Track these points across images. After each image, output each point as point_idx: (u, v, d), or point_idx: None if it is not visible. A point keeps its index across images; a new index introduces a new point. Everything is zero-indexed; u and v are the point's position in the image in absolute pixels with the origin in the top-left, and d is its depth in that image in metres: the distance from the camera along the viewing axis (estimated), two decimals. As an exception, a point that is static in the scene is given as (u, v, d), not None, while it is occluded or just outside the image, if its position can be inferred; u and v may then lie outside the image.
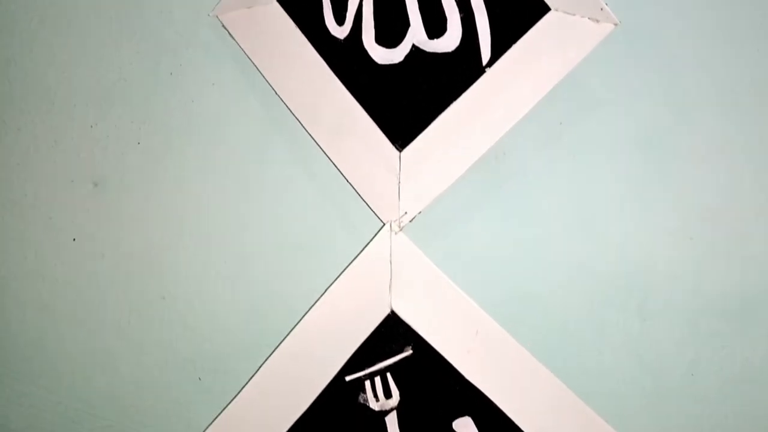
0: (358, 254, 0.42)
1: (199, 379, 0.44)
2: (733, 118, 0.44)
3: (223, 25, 0.43)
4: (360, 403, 0.41)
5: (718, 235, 0.44)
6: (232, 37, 0.43)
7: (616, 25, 0.41)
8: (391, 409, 0.41)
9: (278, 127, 0.44)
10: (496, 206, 0.44)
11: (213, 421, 0.42)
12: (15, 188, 0.46)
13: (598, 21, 0.41)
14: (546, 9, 0.41)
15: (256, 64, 0.43)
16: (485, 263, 0.44)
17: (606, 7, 0.41)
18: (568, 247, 0.44)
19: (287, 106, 0.43)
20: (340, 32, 0.43)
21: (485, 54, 0.42)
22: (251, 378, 0.42)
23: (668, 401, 0.44)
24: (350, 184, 0.42)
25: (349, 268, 0.42)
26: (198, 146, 0.45)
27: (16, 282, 0.45)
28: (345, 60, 0.42)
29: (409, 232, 0.42)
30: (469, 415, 0.41)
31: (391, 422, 0.41)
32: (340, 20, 0.43)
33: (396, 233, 0.42)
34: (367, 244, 0.42)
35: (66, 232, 0.45)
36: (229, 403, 0.42)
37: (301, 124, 0.43)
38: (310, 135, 0.43)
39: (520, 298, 0.43)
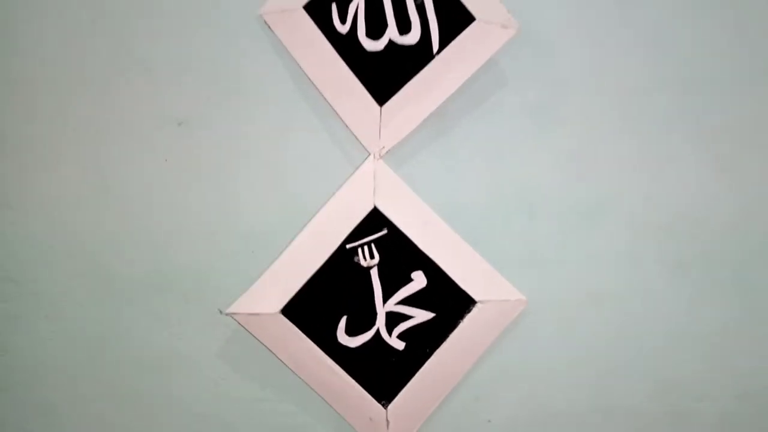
0: (354, 171, 0.67)
1: (252, 252, 0.69)
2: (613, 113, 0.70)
3: (266, 22, 0.66)
4: (355, 262, 0.67)
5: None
6: (272, 30, 0.67)
7: (517, 30, 0.66)
8: (374, 266, 0.67)
9: (303, 92, 0.68)
10: (437, 146, 0.69)
11: (261, 274, 0.67)
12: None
13: (506, 27, 0.67)
14: (472, 19, 0.66)
15: (287, 47, 0.67)
16: (429, 179, 0.69)
17: (511, 17, 0.66)
18: (479, 167, 0.70)
19: (308, 76, 0.67)
20: (342, 29, 0.66)
21: (435, 46, 0.66)
22: (288, 245, 0.67)
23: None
24: (350, 129, 0.67)
25: (349, 179, 0.67)
26: (248, 87, 0.68)
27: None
28: (345, 47, 0.66)
29: (386, 159, 0.68)
30: (420, 270, 0.67)
31: (374, 274, 0.67)
32: (342, 21, 0.66)
33: (377, 159, 0.67)
34: (360, 165, 0.67)
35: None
36: (273, 262, 0.67)
37: (318, 89, 0.67)
38: (323, 96, 0.67)
39: (451, 203, 0.69)
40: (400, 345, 0.67)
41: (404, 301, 0.67)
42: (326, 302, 0.66)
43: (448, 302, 0.67)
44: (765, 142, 0.72)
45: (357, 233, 0.67)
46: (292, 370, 0.67)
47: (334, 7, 0.66)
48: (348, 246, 0.67)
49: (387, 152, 0.68)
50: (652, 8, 0.70)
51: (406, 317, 0.67)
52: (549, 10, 0.70)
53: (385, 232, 0.67)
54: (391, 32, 0.66)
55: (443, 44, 0.66)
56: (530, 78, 0.70)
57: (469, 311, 0.68)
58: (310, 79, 0.67)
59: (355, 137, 0.68)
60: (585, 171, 0.71)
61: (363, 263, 0.67)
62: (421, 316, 0.67)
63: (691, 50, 0.71)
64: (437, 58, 0.66)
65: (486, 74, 0.69)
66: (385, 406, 0.68)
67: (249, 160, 0.69)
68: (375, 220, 0.67)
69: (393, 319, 0.67)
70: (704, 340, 0.73)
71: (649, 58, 0.71)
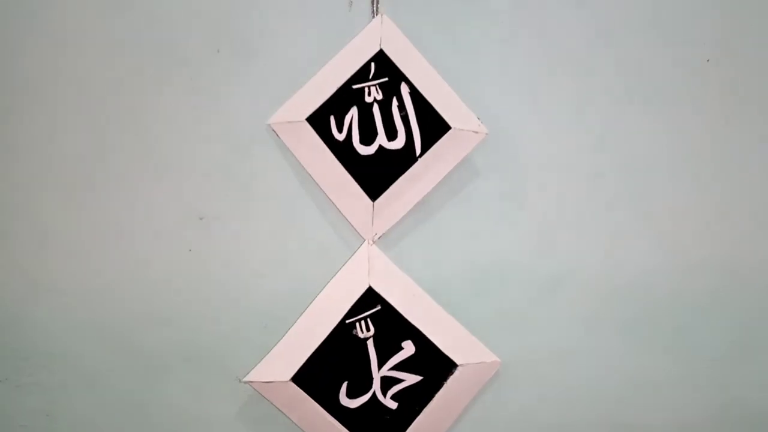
0: (352, 255, 0.79)
1: (265, 326, 0.80)
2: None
3: (275, 131, 0.79)
4: (353, 335, 0.78)
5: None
6: (280, 138, 0.79)
7: (486, 133, 0.80)
8: (370, 338, 0.79)
9: (307, 189, 0.80)
10: (421, 230, 0.82)
11: (273, 346, 0.78)
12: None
13: (477, 132, 0.80)
14: (448, 127, 0.79)
15: (293, 152, 0.79)
16: (415, 258, 0.82)
17: (481, 123, 0.80)
18: (461, 243, 0.82)
19: (311, 176, 0.79)
20: (340, 137, 0.79)
21: (418, 150, 0.79)
22: (296, 321, 0.78)
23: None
24: (347, 220, 0.79)
25: (347, 263, 0.79)
26: (260, 186, 0.80)
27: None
28: (342, 152, 0.78)
29: (378, 244, 0.80)
30: (409, 339, 0.79)
31: (370, 345, 0.79)
32: (339, 130, 0.79)
33: (371, 245, 0.80)
34: (356, 250, 0.80)
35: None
36: (284, 336, 0.78)
37: (320, 187, 0.79)
38: (325, 193, 0.79)
39: (434, 277, 0.82)
40: (393, 405, 0.79)
41: (396, 367, 0.79)
42: (330, 370, 0.78)
43: (434, 366, 0.79)
44: (699, 219, 0.85)
45: (355, 310, 0.78)
46: (302, 430, 0.79)
47: (332, 118, 0.79)
48: (347, 321, 0.78)
49: (379, 238, 0.80)
50: (602, 104, 0.84)
51: (398, 380, 0.79)
52: (511, 114, 0.83)
53: (378, 308, 0.79)
54: (381, 139, 0.79)
55: (425, 149, 0.79)
56: (498, 170, 0.83)
57: (452, 373, 0.80)
58: (313, 178, 0.79)
59: (352, 227, 0.80)
60: (547, 247, 0.84)
61: (360, 335, 0.79)
62: (410, 379, 0.79)
63: (635, 141, 0.85)
64: (420, 161, 0.79)
65: (461, 169, 0.82)
66: (381, 456, 0.80)
67: (261, 248, 0.81)
68: (370, 298, 0.79)
69: (387, 382, 0.79)
70: (652, 388, 0.86)
71: (598, 149, 0.84)
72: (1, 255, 0.79)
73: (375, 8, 0.81)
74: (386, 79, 0.79)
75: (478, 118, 0.80)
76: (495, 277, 0.83)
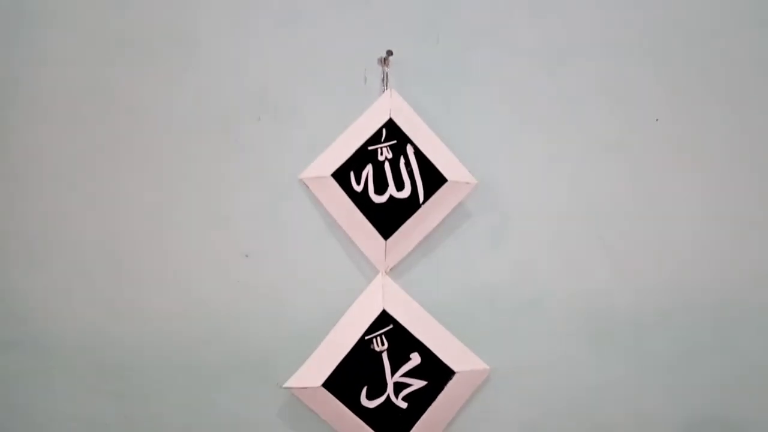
0: (369, 284, 0.98)
1: (300, 341, 0.98)
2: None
3: (306, 184, 0.98)
4: (371, 348, 0.97)
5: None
6: (310, 190, 0.98)
7: (476, 183, 0.99)
8: (384, 351, 0.97)
9: (332, 231, 0.99)
10: (424, 263, 1.01)
11: (307, 358, 0.97)
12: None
13: (468, 183, 0.99)
14: (445, 180, 0.98)
15: (321, 201, 0.98)
16: (420, 285, 1.00)
17: (471, 175, 0.99)
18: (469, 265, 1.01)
19: (335, 220, 0.98)
20: (358, 188, 0.98)
21: (421, 199, 0.98)
22: (325, 338, 0.97)
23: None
24: (365, 255, 0.98)
25: (365, 290, 0.98)
26: (294, 228, 0.99)
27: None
28: (360, 200, 0.97)
29: (390, 274, 0.99)
30: (416, 351, 0.98)
31: (384, 356, 0.97)
32: (358, 183, 0.98)
33: (384, 275, 0.99)
34: (372, 279, 0.99)
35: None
36: (315, 349, 0.97)
37: (342, 229, 0.98)
38: (346, 233, 0.98)
39: (435, 301, 1.00)
40: (404, 405, 0.97)
41: (406, 374, 0.97)
42: (353, 377, 0.96)
43: (436, 373, 0.98)
44: (651, 250, 1.04)
45: (372, 328, 0.97)
46: (331, 427, 0.97)
47: (352, 174, 0.98)
48: (366, 337, 0.97)
49: (390, 270, 0.99)
50: (570, 156, 1.03)
51: (408, 385, 0.97)
52: (496, 166, 1.02)
53: (391, 326, 0.98)
54: (391, 190, 0.98)
55: (426, 197, 0.98)
56: (486, 212, 1.02)
57: (451, 379, 0.98)
58: (336, 222, 0.99)
59: (369, 261, 0.99)
60: (527, 275, 1.03)
61: (377, 349, 0.97)
62: (417, 384, 0.98)
63: (599, 187, 1.03)
64: (422, 207, 0.98)
65: (456, 211, 1.01)
66: (394, 447, 0.98)
67: (295, 278, 0.99)
68: (384, 318, 0.97)
69: (398, 386, 0.97)
70: (614, 390, 1.04)
71: (567, 194, 1.03)
72: (84, 286, 0.97)
73: (385, 84, 1.00)
74: (395, 141, 0.98)
75: (469, 171, 0.99)
76: (485, 300, 1.02)
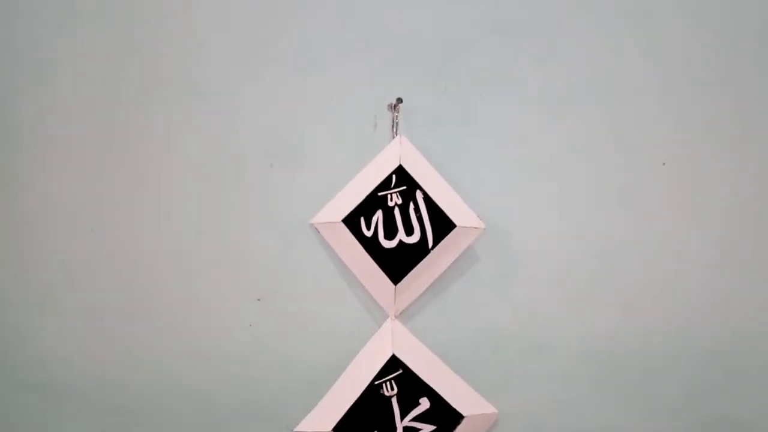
0: (378, 329, 1.00)
1: (311, 385, 1.00)
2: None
3: (317, 229, 1.00)
4: (381, 393, 0.98)
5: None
6: (320, 234, 1.00)
7: (484, 228, 1.00)
8: (394, 396, 0.98)
9: (342, 274, 1.01)
10: (433, 307, 1.02)
11: (318, 402, 0.98)
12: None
13: (477, 228, 1.00)
14: (454, 225, 1.00)
15: (331, 246, 1.00)
16: (428, 329, 1.01)
17: (479, 220, 1.00)
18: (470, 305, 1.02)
19: (346, 264, 1.00)
20: (368, 233, 0.99)
21: (430, 244, 0.99)
22: (335, 382, 0.98)
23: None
24: (375, 300, 1.00)
25: (375, 335, 0.99)
26: (305, 272, 1.01)
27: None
28: (370, 245, 0.99)
29: (399, 318, 1.00)
30: (425, 396, 0.99)
31: (394, 401, 0.98)
32: (368, 228, 0.99)
33: (393, 320, 1.00)
34: (382, 324, 1.00)
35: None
36: (326, 394, 0.98)
37: (352, 273, 1.00)
38: (356, 278, 1.00)
39: (442, 344, 1.01)
40: None
41: (415, 419, 0.98)
42: (363, 421, 0.97)
43: (445, 418, 0.99)
44: (655, 294, 1.05)
45: (381, 373, 0.98)
46: (341, 471, 0.98)
47: (362, 219, 0.99)
48: (375, 382, 0.98)
49: (400, 314, 1.00)
50: (577, 202, 1.04)
51: (417, 430, 0.98)
52: (503, 211, 1.03)
53: (400, 371, 0.99)
54: (401, 235, 1.00)
55: (435, 242, 1.00)
56: (494, 256, 1.03)
57: (459, 423, 0.99)
58: (347, 266, 1.00)
59: (379, 305, 1.00)
60: (534, 318, 1.04)
61: (386, 394, 0.98)
62: (426, 429, 0.99)
63: (605, 232, 1.05)
64: (432, 252, 1.00)
65: (464, 255, 1.02)
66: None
67: (306, 322, 1.01)
68: (393, 363, 0.99)
69: (408, 431, 0.98)
70: (612, 425, 1.05)
71: (574, 239, 1.04)
72: (99, 330, 0.99)
73: (395, 130, 1.02)
74: (404, 187, 1.00)
75: (478, 216, 1.01)
76: (493, 343, 1.03)
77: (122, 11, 0.99)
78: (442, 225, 1.00)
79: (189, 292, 1.00)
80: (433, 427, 0.99)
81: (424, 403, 0.99)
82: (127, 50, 1.00)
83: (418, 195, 1.00)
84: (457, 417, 0.99)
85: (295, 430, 0.96)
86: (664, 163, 1.06)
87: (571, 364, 1.04)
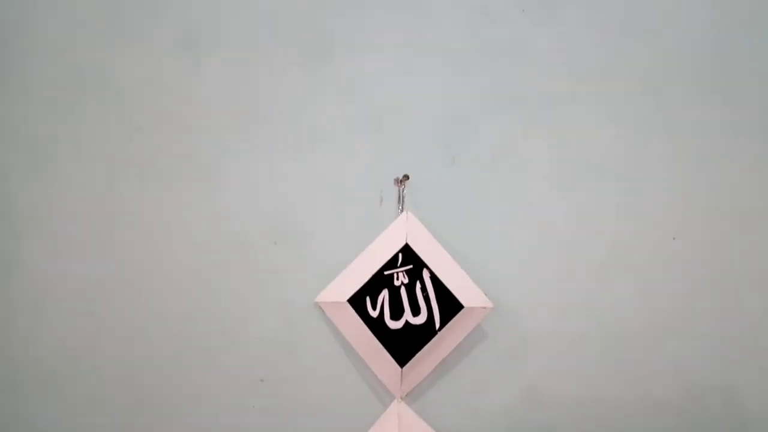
0: (384, 410, 0.98)
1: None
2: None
3: (322, 308, 0.98)
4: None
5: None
6: (325, 314, 0.98)
7: (492, 307, 0.98)
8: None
9: (348, 355, 0.99)
10: (440, 387, 1.00)
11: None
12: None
13: (485, 307, 0.98)
14: (461, 306, 0.98)
15: (337, 326, 0.98)
16: (434, 410, 1.00)
17: (488, 299, 0.98)
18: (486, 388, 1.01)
19: (351, 345, 0.98)
20: (374, 314, 0.98)
21: (437, 325, 0.98)
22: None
23: None
24: (381, 381, 0.98)
25: (381, 417, 0.97)
26: (310, 352, 0.99)
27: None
28: (376, 326, 0.97)
29: (405, 400, 0.98)
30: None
31: (399, 484, 0.97)
32: (374, 308, 0.98)
33: (399, 402, 0.98)
34: (388, 406, 0.98)
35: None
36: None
37: (358, 354, 0.98)
38: (362, 358, 0.98)
39: (451, 426, 1.00)
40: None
41: None
42: None
43: None
44: (661, 365, 1.03)
45: (391, 448, 0.97)
46: None
47: (368, 299, 0.98)
48: (382, 466, 0.97)
49: (405, 396, 0.99)
50: (584, 278, 1.02)
51: None
52: (511, 288, 1.01)
53: (408, 449, 0.97)
54: (407, 315, 0.98)
55: (443, 323, 0.98)
56: (502, 334, 1.02)
57: None
58: (352, 347, 0.98)
59: (385, 387, 0.98)
60: (542, 400, 1.02)
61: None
62: None
63: (613, 308, 1.03)
64: (439, 334, 0.98)
65: (472, 333, 1.00)
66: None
67: (311, 404, 0.99)
68: (401, 444, 0.97)
69: None
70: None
71: (581, 315, 1.02)
72: (101, 414, 0.97)
73: (401, 205, 1.01)
74: (411, 266, 0.98)
75: (485, 293, 0.99)
76: (500, 424, 1.01)
77: (122, 88, 0.98)
78: (450, 305, 0.98)
79: (191, 372, 0.98)
80: None
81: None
82: (128, 127, 0.98)
83: (425, 274, 0.98)
84: None
85: None
86: (674, 238, 1.04)
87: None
